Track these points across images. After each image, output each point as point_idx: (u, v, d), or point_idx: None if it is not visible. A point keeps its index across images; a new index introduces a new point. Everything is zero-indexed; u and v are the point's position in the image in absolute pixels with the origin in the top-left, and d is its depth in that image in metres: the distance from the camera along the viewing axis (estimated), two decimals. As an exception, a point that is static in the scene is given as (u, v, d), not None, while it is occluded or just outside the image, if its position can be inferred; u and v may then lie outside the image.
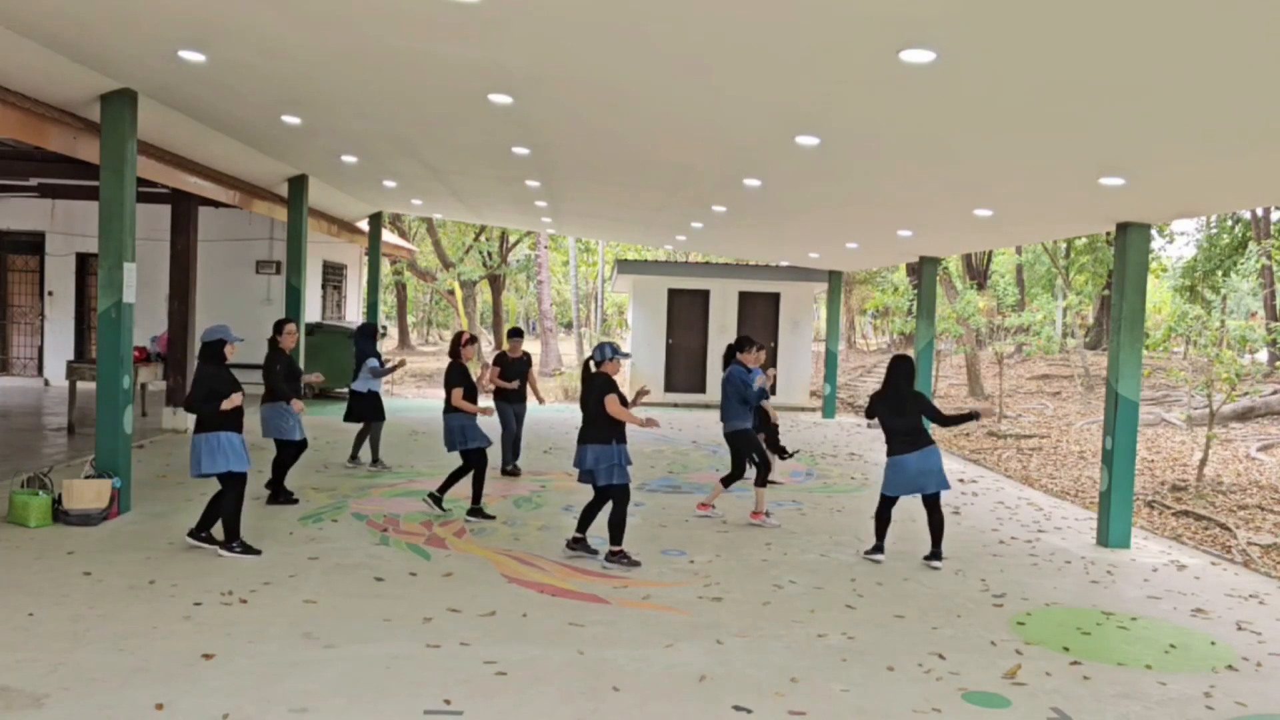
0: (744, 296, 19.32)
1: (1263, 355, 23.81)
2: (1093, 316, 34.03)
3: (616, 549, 6.82)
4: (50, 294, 16.99)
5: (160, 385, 12.93)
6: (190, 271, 12.16)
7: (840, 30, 4.49)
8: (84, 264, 16.74)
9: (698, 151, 8.08)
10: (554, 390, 21.16)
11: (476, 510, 8.04)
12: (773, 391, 10.25)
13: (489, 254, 30.87)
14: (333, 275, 19.45)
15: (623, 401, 6.79)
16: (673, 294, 19.30)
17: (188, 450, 6.83)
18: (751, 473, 8.62)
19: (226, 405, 6.48)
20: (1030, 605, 6.37)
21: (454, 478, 8.07)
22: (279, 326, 8.34)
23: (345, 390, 11.99)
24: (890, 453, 7.23)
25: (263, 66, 6.59)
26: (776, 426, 10.42)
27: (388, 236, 21.09)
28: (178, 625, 5.17)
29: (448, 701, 4.35)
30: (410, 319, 44.20)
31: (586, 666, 4.86)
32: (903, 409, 7.17)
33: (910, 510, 8.22)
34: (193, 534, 6.70)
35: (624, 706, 4.40)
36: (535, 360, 24.18)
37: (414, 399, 18.57)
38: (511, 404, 10.04)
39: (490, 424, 8.86)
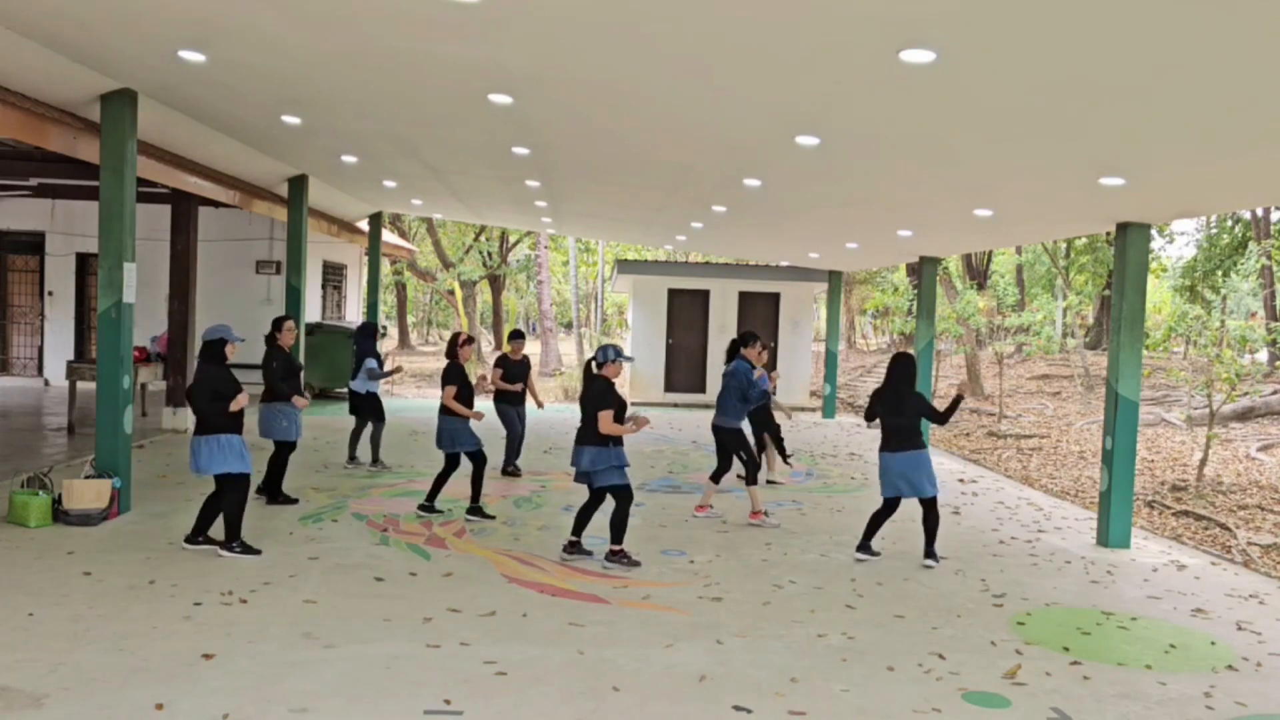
0: (744, 296, 19.32)
1: (1263, 355, 23.82)
2: (1093, 316, 34.03)
3: (617, 548, 6.82)
4: (50, 294, 16.99)
5: (160, 385, 12.93)
6: (190, 271, 12.17)
7: (840, 30, 4.49)
8: (84, 264, 16.75)
9: (698, 151, 8.08)
10: (554, 390, 21.17)
11: (476, 509, 8.04)
12: (773, 393, 10.23)
13: (489, 254, 30.88)
14: (333, 275, 19.45)
15: (621, 407, 6.77)
16: (673, 294, 19.31)
17: (187, 450, 6.82)
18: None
19: (234, 407, 6.48)
20: (1030, 605, 6.37)
21: (439, 482, 8.05)
22: (277, 324, 8.34)
23: (344, 390, 11.99)
24: (881, 448, 7.29)
25: (263, 66, 6.58)
26: (779, 426, 10.43)
27: (388, 236, 21.09)
28: (178, 625, 5.17)
29: (448, 701, 4.35)
30: (410, 319, 44.20)
31: (586, 666, 4.86)
32: (901, 409, 7.18)
33: (911, 511, 8.21)
34: (189, 540, 6.69)
35: (624, 706, 4.40)
36: (535, 360, 24.23)
37: (414, 399, 18.57)
38: (514, 405, 10.06)
39: (487, 426, 8.86)
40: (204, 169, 10.91)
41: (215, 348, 6.58)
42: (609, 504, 6.93)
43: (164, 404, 12.48)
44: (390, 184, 12.98)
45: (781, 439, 10.52)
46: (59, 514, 7.17)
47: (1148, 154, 6.21)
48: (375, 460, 10.19)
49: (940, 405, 8.37)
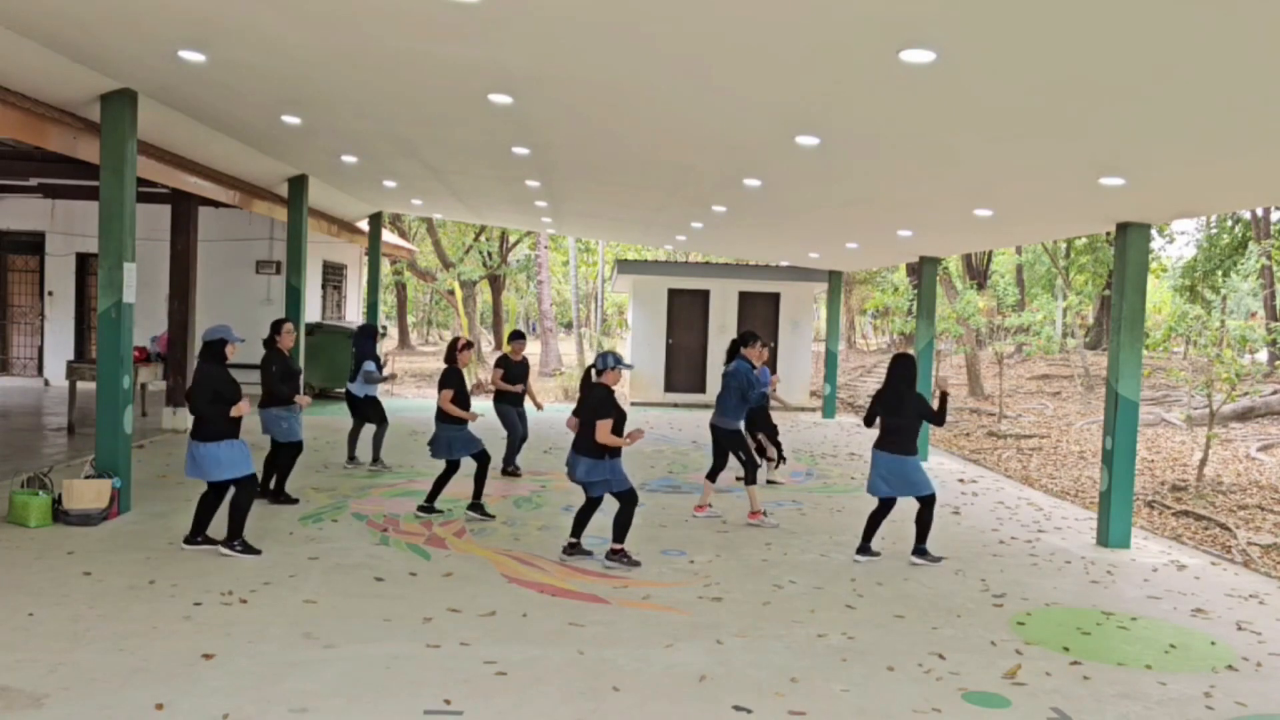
0: (744, 296, 19.32)
1: (1263, 355, 23.83)
2: (1093, 316, 34.04)
3: (618, 547, 6.81)
4: (50, 294, 16.99)
5: (160, 385, 12.94)
6: (190, 271, 12.17)
7: (840, 30, 4.49)
8: (84, 264, 16.74)
9: (698, 151, 8.08)
10: (554, 390, 21.16)
11: (477, 506, 8.04)
12: (773, 393, 10.24)
13: (489, 254, 30.87)
14: (333, 275, 19.45)
15: (619, 417, 6.75)
16: (673, 294, 19.30)
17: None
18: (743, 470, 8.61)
19: (235, 413, 6.46)
20: (1030, 605, 6.37)
21: (439, 484, 8.04)
22: (276, 326, 8.33)
23: (343, 390, 11.99)
24: (874, 444, 7.34)
25: (263, 66, 6.58)
26: (776, 428, 10.42)
27: (388, 236, 21.09)
28: (178, 625, 5.17)
29: (448, 701, 4.35)
30: (410, 319, 44.20)
31: (586, 666, 4.86)
32: (900, 410, 7.20)
33: (910, 512, 8.20)
34: (188, 540, 6.69)
35: (624, 706, 4.40)
36: (535, 361, 24.24)
37: (414, 399, 18.57)
38: (514, 405, 10.06)
39: (487, 426, 8.85)
40: (204, 169, 10.91)
41: (215, 348, 6.58)
42: (609, 505, 6.93)
43: (164, 404, 12.48)
44: (390, 184, 12.98)
45: (779, 442, 10.51)
46: (59, 514, 7.17)
47: (1148, 154, 6.21)
48: (375, 460, 10.19)
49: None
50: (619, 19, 4.76)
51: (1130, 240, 8.28)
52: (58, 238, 16.78)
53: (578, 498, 7.66)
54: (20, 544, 6.63)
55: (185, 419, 11.82)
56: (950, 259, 26.20)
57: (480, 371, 23.17)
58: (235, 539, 6.58)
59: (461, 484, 8.24)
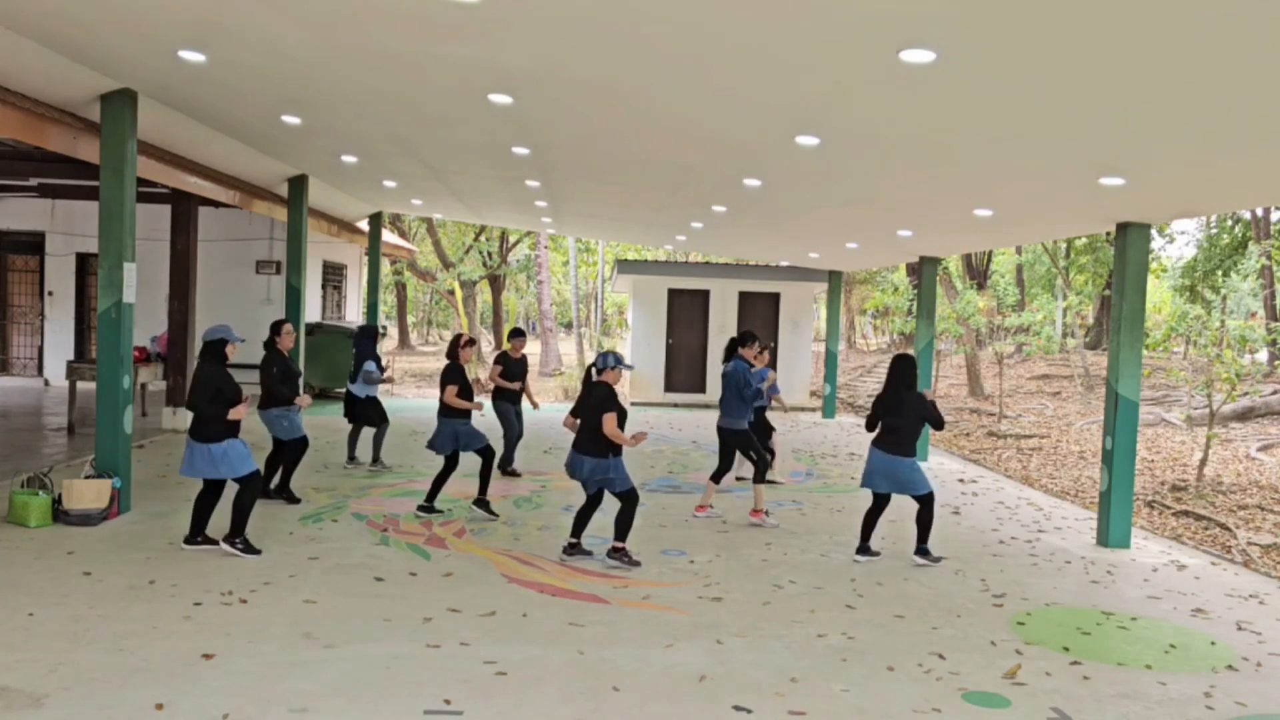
0: (744, 296, 19.32)
1: (1263, 355, 23.83)
2: (1093, 316, 34.04)
3: (620, 545, 6.81)
4: (50, 294, 16.99)
5: (160, 385, 12.93)
6: (190, 271, 12.17)
7: (840, 30, 4.49)
8: (84, 264, 16.74)
9: (698, 151, 8.08)
10: (554, 390, 21.17)
11: (483, 502, 8.05)
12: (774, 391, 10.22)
13: (489, 254, 30.87)
14: (333, 275, 19.44)
15: (621, 415, 6.76)
16: (673, 294, 19.30)
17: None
18: (747, 470, 8.62)
19: (233, 415, 6.46)
20: (1030, 605, 6.37)
21: (438, 483, 8.05)
22: (276, 328, 8.33)
23: (343, 390, 11.99)
24: (872, 442, 7.38)
25: (263, 66, 6.58)
26: (773, 430, 10.40)
27: (388, 236, 21.09)
28: (178, 625, 5.17)
29: (448, 701, 4.35)
30: (410, 319, 44.22)
31: (586, 666, 4.86)
32: (899, 411, 7.21)
33: (910, 511, 8.21)
34: (188, 540, 6.69)
35: (624, 706, 4.40)
36: (535, 361, 24.24)
37: (414, 399, 18.57)
38: (512, 404, 10.06)
39: (487, 425, 8.85)
40: (204, 169, 10.91)
41: (216, 348, 6.58)
42: (609, 505, 6.93)
43: (164, 404, 12.48)
44: (390, 184, 12.97)
45: (772, 448, 10.47)
46: (59, 514, 7.18)
47: (1148, 154, 6.21)
48: (375, 460, 10.19)
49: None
50: (619, 19, 4.76)
51: (1130, 240, 8.28)
52: (58, 238, 16.77)
53: (578, 498, 7.66)
54: (20, 544, 6.63)
55: (185, 419, 11.82)
56: (950, 259, 26.20)
57: (480, 371, 23.16)
58: (237, 536, 6.58)
59: (461, 484, 8.25)
